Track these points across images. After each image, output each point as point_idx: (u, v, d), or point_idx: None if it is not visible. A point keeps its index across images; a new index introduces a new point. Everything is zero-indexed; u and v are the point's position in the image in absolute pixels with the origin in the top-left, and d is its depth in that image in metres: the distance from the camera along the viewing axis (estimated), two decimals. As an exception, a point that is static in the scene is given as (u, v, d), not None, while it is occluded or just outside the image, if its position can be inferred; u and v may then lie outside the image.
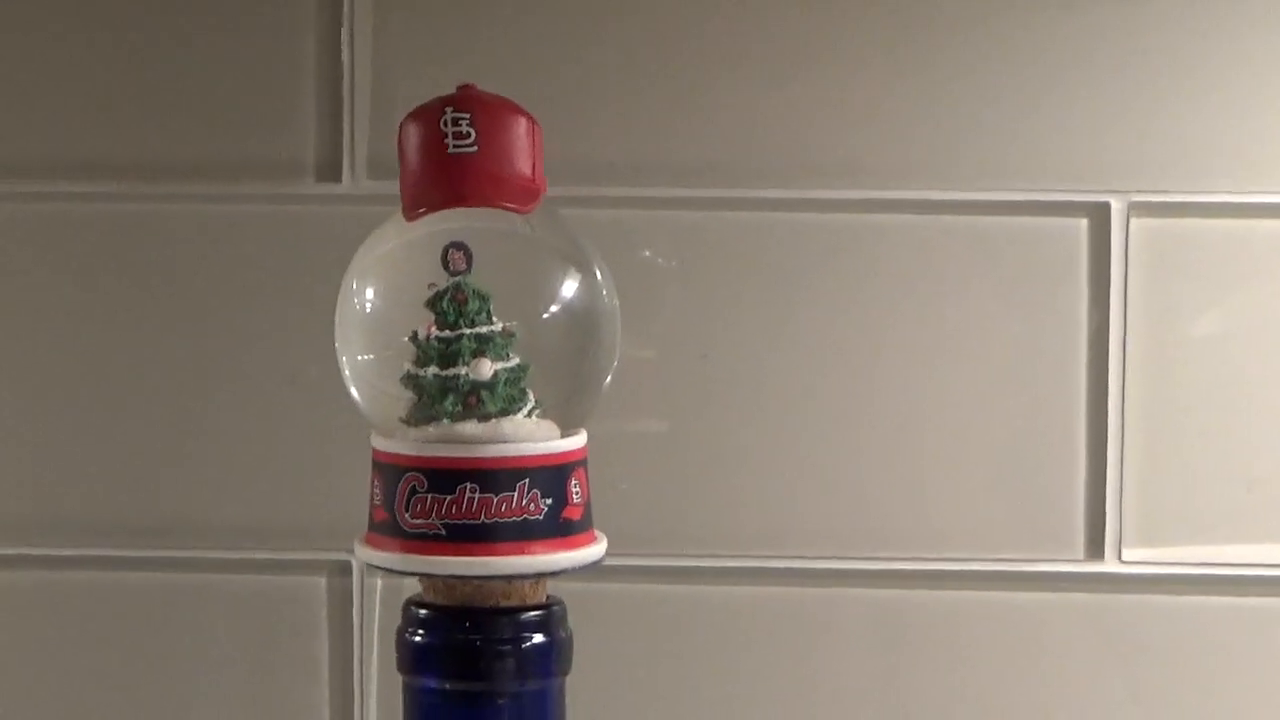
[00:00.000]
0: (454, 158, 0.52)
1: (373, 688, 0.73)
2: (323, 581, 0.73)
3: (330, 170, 0.71)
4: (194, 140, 0.71)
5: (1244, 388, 0.71)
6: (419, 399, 0.52)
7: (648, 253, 0.71)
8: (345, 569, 0.72)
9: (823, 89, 0.71)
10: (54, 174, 0.72)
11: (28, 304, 0.73)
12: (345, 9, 0.71)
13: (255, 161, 0.71)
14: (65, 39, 0.71)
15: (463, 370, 0.51)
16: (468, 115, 0.52)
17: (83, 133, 0.72)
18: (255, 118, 0.71)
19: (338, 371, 0.54)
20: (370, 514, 0.53)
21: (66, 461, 0.73)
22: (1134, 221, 0.71)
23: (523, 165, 0.53)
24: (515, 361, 0.52)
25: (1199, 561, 0.72)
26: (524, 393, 0.52)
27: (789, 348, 0.72)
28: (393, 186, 0.53)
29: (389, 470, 0.52)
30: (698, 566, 0.72)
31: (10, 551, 0.74)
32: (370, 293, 0.54)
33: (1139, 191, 0.71)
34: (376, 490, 0.52)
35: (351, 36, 0.71)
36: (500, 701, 0.52)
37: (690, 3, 0.71)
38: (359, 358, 0.54)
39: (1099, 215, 0.71)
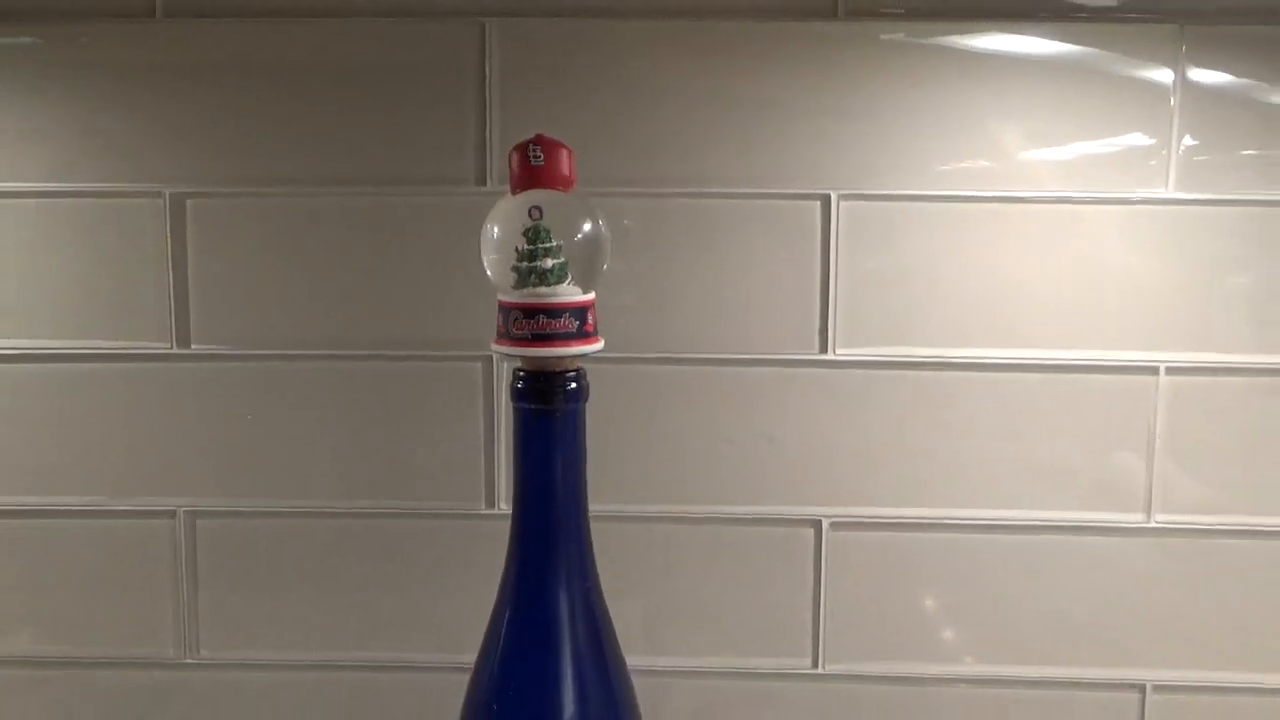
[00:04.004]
0: (534, 166, 0.52)
1: (504, 410, 0.71)
2: (479, 365, 0.70)
3: (481, 179, 0.69)
4: (414, 165, 0.68)
5: (898, 286, 0.69)
6: (518, 277, 0.52)
7: (626, 221, 0.69)
8: (489, 359, 0.70)
9: (683, 134, 0.68)
10: (349, 182, 0.69)
11: (345, 257, 0.70)
12: (488, 113, 0.68)
13: (445, 176, 0.69)
14: (357, 130, 0.69)
15: (538, 264, 0.52)
16: (540, 147, 0.52)
17: (368, 163, 0.69)
18: (446, 155, 0.68)
19: (482, 267, 0.53)
20: (496, 329, 0.53)
21: (347, 309, 0.70)
22: (843, 204, 0.68)
23: (566, 171, 0.53)
24: (562, 260, 0.52)
25: (876, 354, 0.70)
26: (566, 274, 0.52)
27: (687, 262, 0.70)
28: (506, 186, 0.53)
29: (505, 310, 0.52)
30: (646, 357, 0.70)
31: (294, 352, 0.70)
32: (495, 229, 0.53)
33: (846, 188, 0.68)
34: (499, 318, 0.53)
35: (490, 117, 0.68)
36: (557, 415, 0.52)
37: (640, 110, 0.68)
38: (490, 257, 0.53)
39: (825, 201, 0.68)
